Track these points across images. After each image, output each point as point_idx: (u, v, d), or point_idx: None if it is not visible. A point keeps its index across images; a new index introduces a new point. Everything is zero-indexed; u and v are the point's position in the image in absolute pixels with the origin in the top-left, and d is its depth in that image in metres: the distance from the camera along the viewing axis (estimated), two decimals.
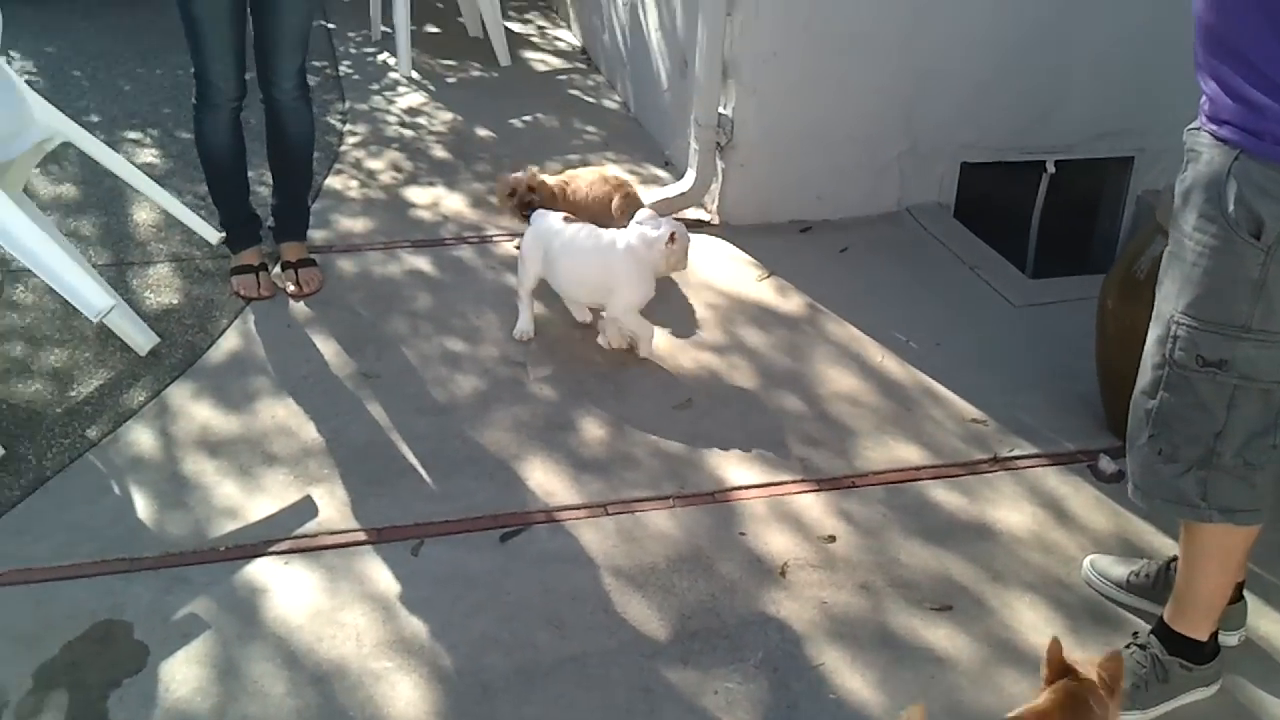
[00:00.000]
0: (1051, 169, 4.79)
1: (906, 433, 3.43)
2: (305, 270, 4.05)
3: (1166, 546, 2.96)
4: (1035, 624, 2.77)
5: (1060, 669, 2.13)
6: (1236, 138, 2.11)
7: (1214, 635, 2.52)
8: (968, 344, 3.88)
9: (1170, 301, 2.28)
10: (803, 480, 3.22)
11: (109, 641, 2.64)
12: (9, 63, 5.78)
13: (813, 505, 3.13)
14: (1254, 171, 2.09)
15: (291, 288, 4.00)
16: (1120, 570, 2.84)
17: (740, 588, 2.85)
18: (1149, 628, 2.60)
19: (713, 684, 2.58)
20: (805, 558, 2.95)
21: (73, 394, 3.46)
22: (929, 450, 3.35)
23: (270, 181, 4.16)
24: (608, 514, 3.07)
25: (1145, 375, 2.36)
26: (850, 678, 2.61)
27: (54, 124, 3.28)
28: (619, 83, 5.95)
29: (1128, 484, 2.47)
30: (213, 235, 3.57)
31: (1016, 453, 3.33)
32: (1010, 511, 3.12)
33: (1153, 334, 2.34)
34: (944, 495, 3.18)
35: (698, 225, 4.61)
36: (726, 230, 4.57)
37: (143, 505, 3.04)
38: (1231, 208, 2.12)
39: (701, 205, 4.70)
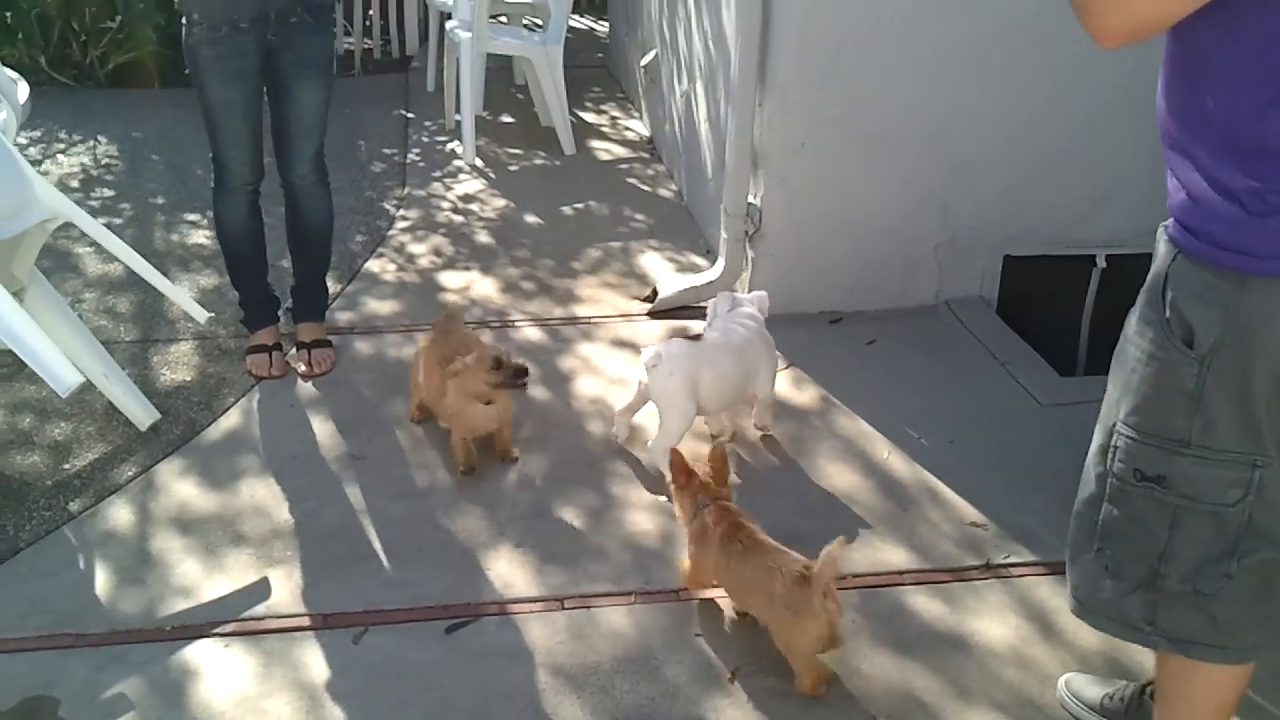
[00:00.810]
0: (1103, 264, 4.57)
1: (898, 534, 3.25)
2: (318, 351, 4.06)
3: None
4: None
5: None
6: (1177, 235, 1.94)
7: None
8: (983, 442, 3.69)
9: (1113, 408, 2.10)
10: None
11: (31, 718, 2.61)
12: (94, 146, 6.05)
13: None
14: (1188, 274, 1.92)
15: (302, 368, 4.02)
16: (1095, 692, 2.61)
17: (683, 693, 2.70)
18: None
19: None
20: (759, 664, 2.79)
21: (66, 467, 3.51)
22: (917, 554, 3.18)
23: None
24: (563, 608, 2.97)
25: (1089, 485, 2.18)
26: None
27: (57, 205, 3.37)
28: (676, 172, 5.93)
29: (1069, 599, 2.27)
30: (200, 315, 3.61)
31: (1011, 559, 3.13)
32: (992, 623, 2.92)
33: (1096, 441, 2.17)
34: (924, 603, 2.99)
35: None
36: None
37: (102, 581, 3.04)
38: (1167, 312, 1.95)
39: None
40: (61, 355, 3.01)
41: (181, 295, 3.48)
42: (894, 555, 3.17)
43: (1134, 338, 2.02)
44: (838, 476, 3.51)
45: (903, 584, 3.08)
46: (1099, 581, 2.16)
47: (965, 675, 2.77)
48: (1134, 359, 2.02)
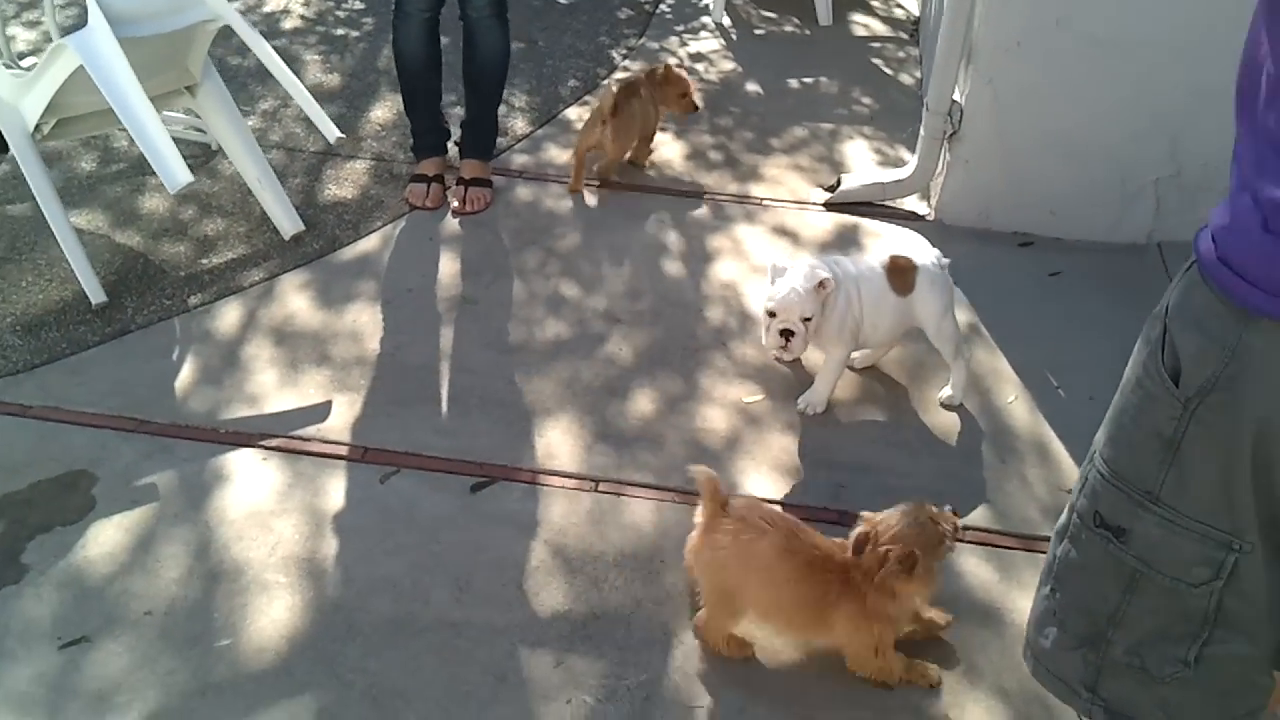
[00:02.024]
0: None
1: (980, 487, 2.96)
2: (475, 189, 4.06)
3: None
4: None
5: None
6: (1201, 239, 1.54)
7: None
8: None
9: (1100, 431, 1.76)
10: (823, 509, 2.87)
11: (70, 489, 2.79)
12: None
13: None
14: (1196, 292, 1.52)
15: (455, 204, 4.02)
16: None
17: (672, 602, 2.58)
18: None
19: (571, 692, 2.37)
20: None
21: (204, 261, 3.67)
22: (993, 511, 2.89)
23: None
24: (595, 490, 2.88)
25: (1063, 510, 1.86)
26: None
27: (218, 7, 3.44)
28: (925, 58, 5.50)
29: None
30: (331, 134, 3.63)
31: None
32: None
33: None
34: (974, 565, 2.73)
35: (910, 218, 4.19)
36: (937, 229, 4.12)
37: (185, 375, 3.18)
38: (1164, 333, 1.57)
39: (925, 198, 4.26)
40: (177, 153, 3.09)
41: (317, 110, 3.50)
42: (965, 508, 2.89)
43: (1135, 352, 1.67)
44: (945, 412, 3.22)
45: (963, 539, 2.79)
46: (1044, 626, 1.85)
47: (982, 653, 2.52)
48: (1125, 378, 1.68)
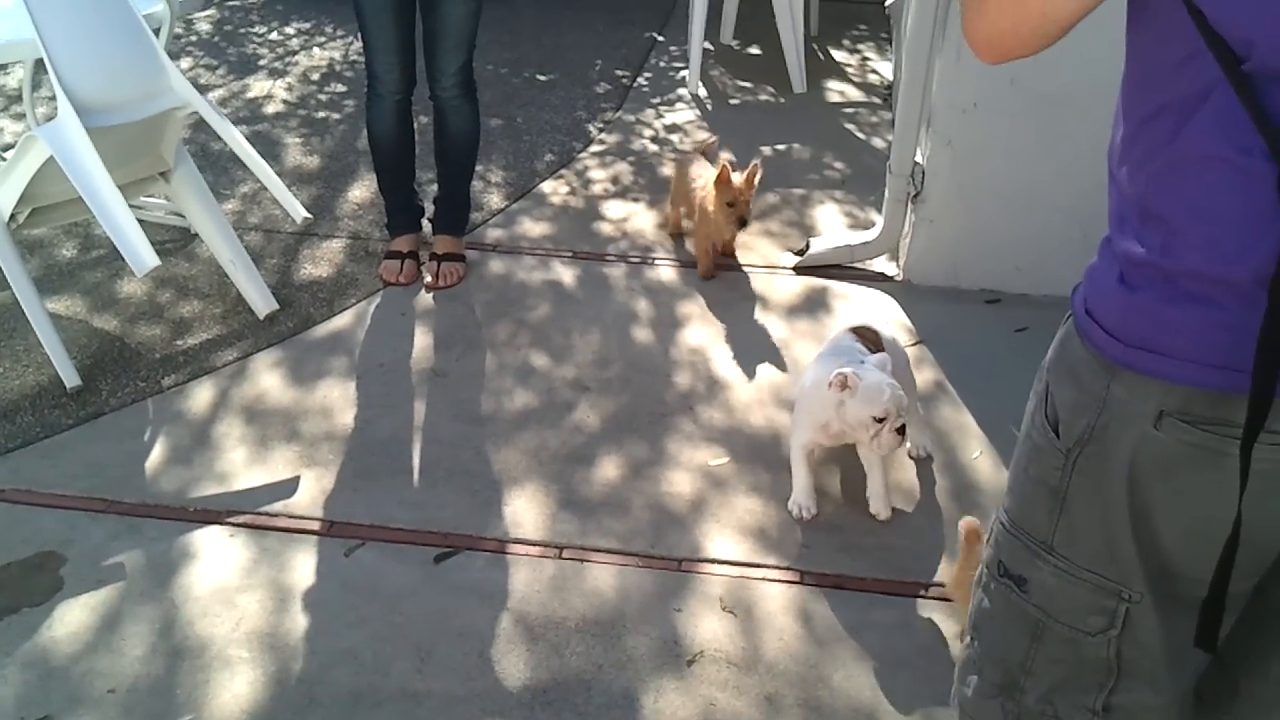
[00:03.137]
0: None
1: (946, 543, 2.98)
2: (448, 264, 4.12)
3: None
4: None
5: None
6: (1075, 294, 1.57)
7: None
8: None
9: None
10: (788, 569, 2.89)
11: (38, 570, 2.81)
12: (351, 43, 6.33)
13: (779, 598, 2.79)
14: (1071, 344, 1.54)
15: (428, 279, 4.09)
16: None
17: (633, 666, 2.59)
18: None
19: None
20: (726, 651, 2.63)
21: (180, 343, 3.73)
22: (951, 564, 2.88)
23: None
24: (559, 558, 2.90)
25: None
26: None
27: (187, 95, 3.53)
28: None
29: None
30: (299, 214, 3.70)
31: None
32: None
33: None
34: (938, 622, 2.73)
35: (879, 279, 4.24)
36: (905, 290, 4.17)
37: (156, 455, 3.22)
38: (1045, 388, 1.60)
39: (895, 259, 4.31)
40: (144, 237, 3.15)
41: (284, 192, 3.58)
42: (928, 565, 2.91)
43: (1029, 405, 1.70)
44: (910, 468, 3.24)
45: (924, 597, 2.84)
46: (966, 674, 1.86)
47: (944, 711, 2.51)
48: (1022, 431, 1.70)
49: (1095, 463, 1.52)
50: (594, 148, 5.32)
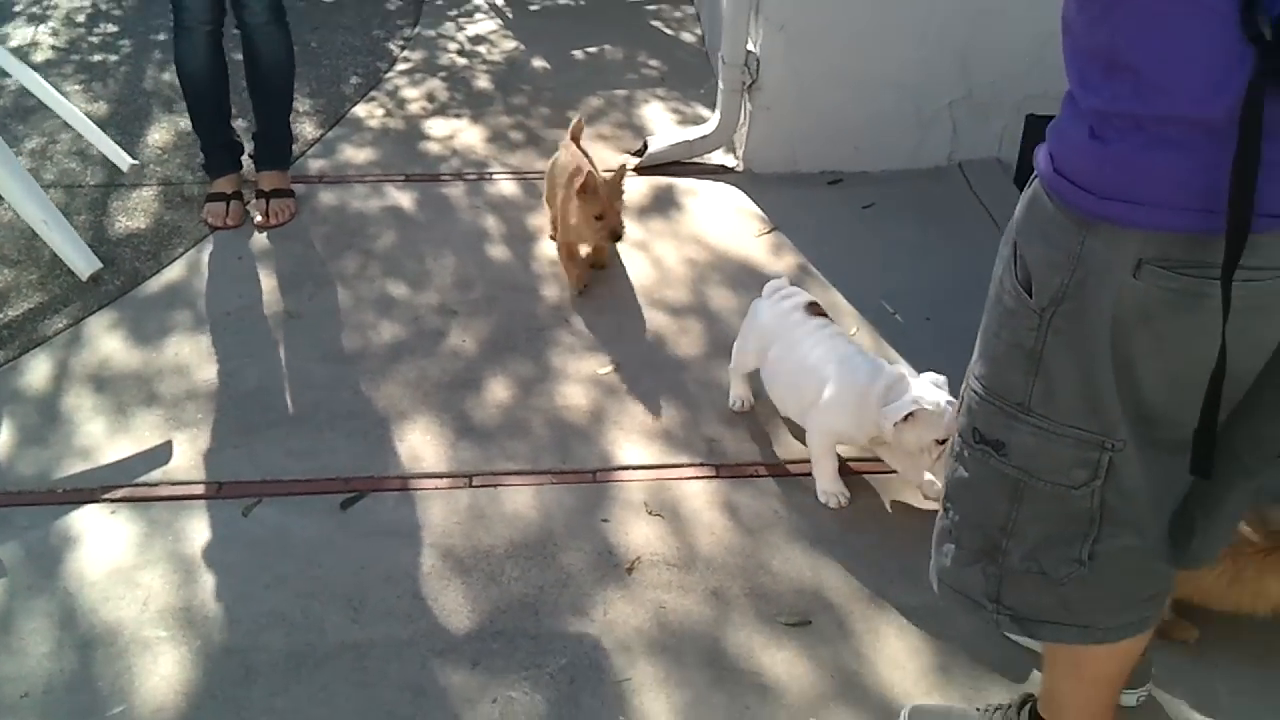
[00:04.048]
0: None
1: None
2: (277, 201, 3.89)
3: None
4: (896, 656, 2.36)
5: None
6: (1040, 156, 1.58)
7: None
8: (962, 323, 3.31)
9: (975, 350, 1.78)
10: (701, 464, 2.87)
11: None
12: None
13: (700, 494, 2.77)
14: (1039, 205, 1.56)
15: (259, 218, 3.85)
16: None
17: (574, 582, 2.53)
18: (1026, 694, 2.14)
19: (495, 691, 2.30)
20: (664, 554, 2.60)
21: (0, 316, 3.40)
22: None
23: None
24: (470, 486, 2.80)
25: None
26: (653, 698, 2.28)
27: None
28: (702, 14, 5.55)
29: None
30: (124, 162, 3.43)
31: None
32: (927, 520, 2.66)
33: None
34: (857, 493, 2.76)
35: (720, 172, 4.21)
36: (748, 179, 4.17)
37: (4, 438, 2.95)
38: (1014, 250, 1.61)
39: (731, 150, 4.29)
40: None
41: (103, 139, 3.30)
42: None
43: (994, 269, 1.71)
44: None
45: (839, 470, 2.83)
46: (943, 545, 1.89)
47: (883, 575, 2.58)
48: (989, 296, 1.71)
49: (1072, 320, 1.54)
50: (400, 66, 5.11)
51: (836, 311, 3.41)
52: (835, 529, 2.67)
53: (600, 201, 3.27)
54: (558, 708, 2.26)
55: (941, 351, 3.18)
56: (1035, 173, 1.58)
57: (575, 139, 3.69)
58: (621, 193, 3.38)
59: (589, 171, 3.31)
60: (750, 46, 4.07)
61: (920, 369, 3.04)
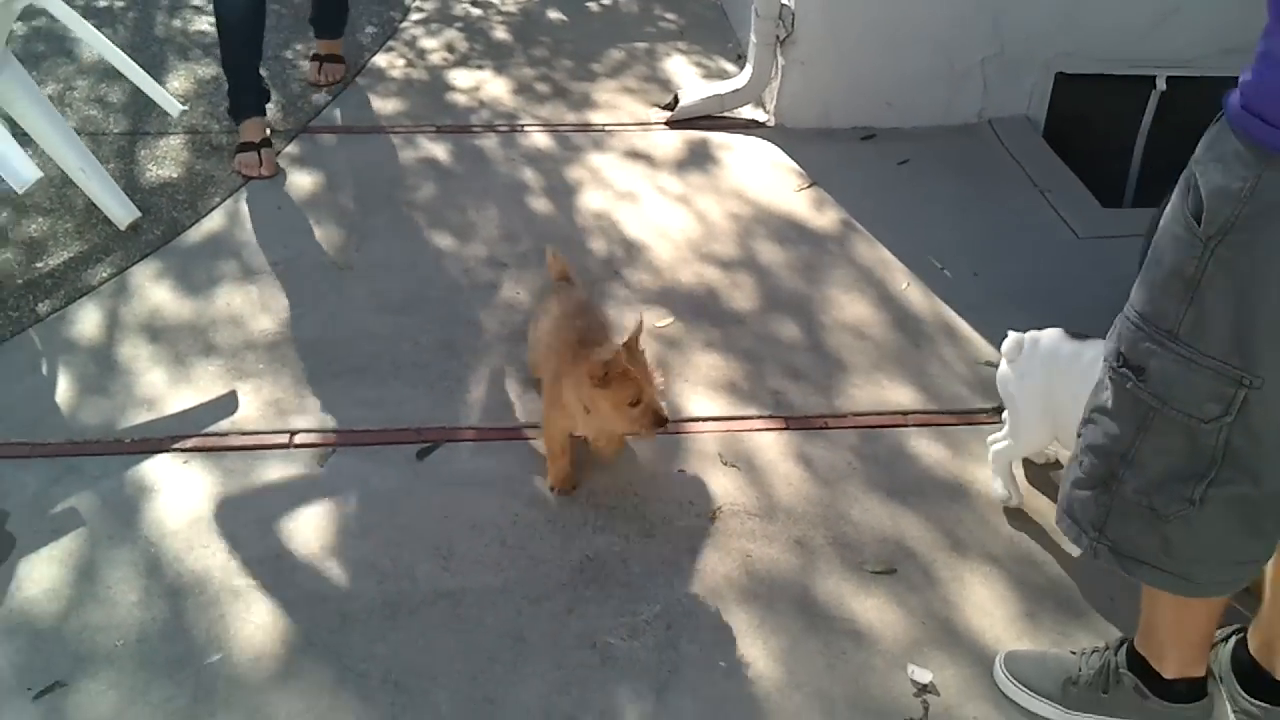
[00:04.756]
0: (1163, 86, 4.20)
1: (907, 372, 3.03)
2: (330, 65, 4.33)
3: None
4: (983, 603, 2.40)
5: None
6: (1230, 95, 1.63)
7: (1198, 681, 2.07)
8: (1011, 276, 3.43)
9: (1137, 281, 1.83)
10: (770, 417, 2.89)
11: None
12: None
13: (772, 446, 2.79)
14: (1223, 139, 1.62)
15: (314, 76, 4.27)
16: (1049, 678, 2.19)
17: (660, 531, 2.55)
18: (1121, 636, 2.19)
19: (594, 637, 2.31)
20: (744, 504, 2.62)
21: (40, 265, 3.35)
22: (925, 393, 2.96)
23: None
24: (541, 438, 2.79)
25: None
26: (750, 644, 2.30)
27: None
28: None
29: None
30: (174, 108, 3.37)
31: None
32: None
33: None
34: (926, 446, 2.80)
35: (751, 126, 4.21)
36: (781, 134, 4.17)
37: (64, 388, 2.90)
38: (1191, 181, 1.67)
39: (760, 105, 4.28)
40: (18, 148, 2.79)
41: (153, 85, 3.24)
42: (899, 394, 2.97)
43: (1171, 200, 1.75)
44: (849, 307, 3.27)
45: (905, 425, 2.89)
46: (1070, 470, 1.94)
47: (962, 525, 2.60)
48: (1160, 227, 1.75)
49: (1238, 251, 1.59)
50: (414, 16, 5.05)
51: (886, 267, 3.44)
52: (909, 478, 2.71)
53: (634, 383, 2.38)
54: (657, 654, 2.28)
55: (996, 303, 3.23)
56: (1221, 112, 1.61)
57: (565, 278, 2.83)
58: (644, 358, 2.47)
59: (617, 353, 2.37)
60: (784, 0, 4.06)
61: (974, 324, 3.09)
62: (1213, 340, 1.67)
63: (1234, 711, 2.12)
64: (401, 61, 4.62)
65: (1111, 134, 4.31)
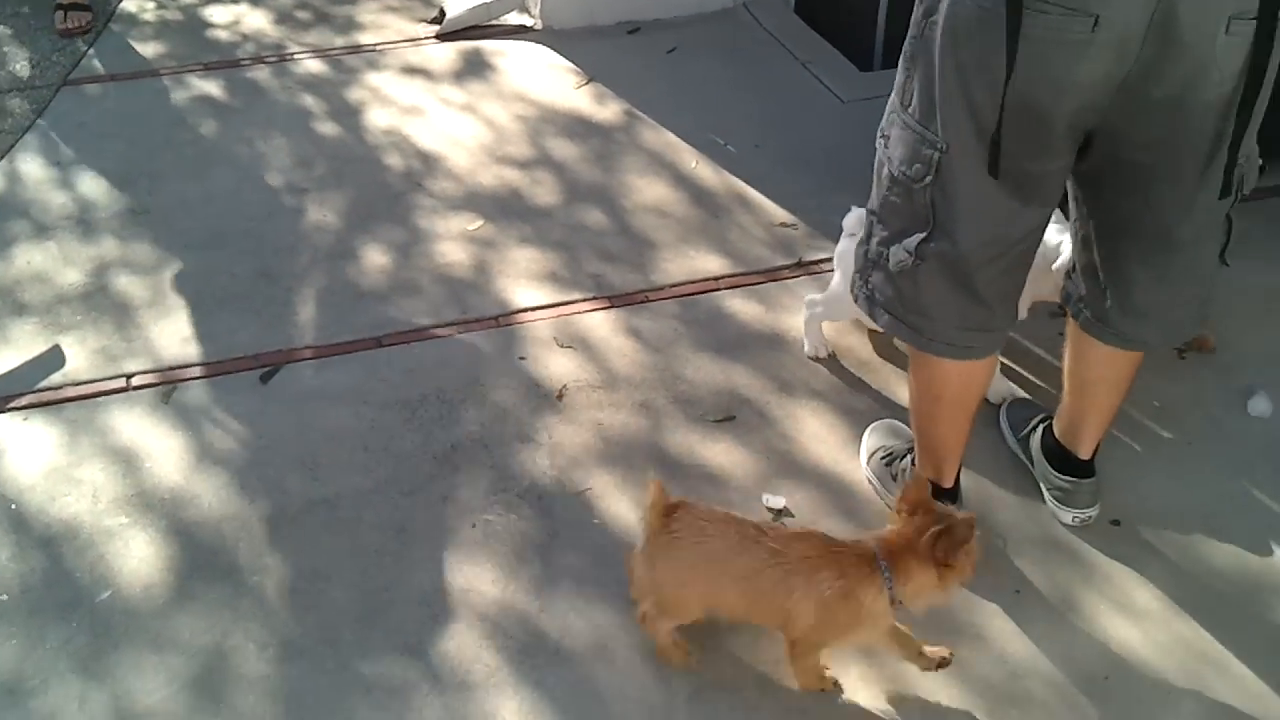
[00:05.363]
0: None
1: (711, 242, 3.24)
2: (76, 13, 4.26)
3: None
4: (817, 432, 2.64)
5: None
6: None
7: (945, 490, 2.30)
8: (789, 144, 3.67)
9: None
10: (594, 298, 3.04)
11: None
12: None
13: (601, 324, 2.95)
14: None
15: (61, 24, 4.22)
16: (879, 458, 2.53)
17: (513, 415, 2.68)
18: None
19: (471, 518, 2.44)
20: (586, 379, 2.78)
21: None
22: (731, 259, 3.17)
23: None
24: (381, 345, 2.88)
25: None
26: (617, 501, 2.47)
27: None
28: None
29: None
30: None
31: (821, 256, 3.14)
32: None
33: None
34: (740, 305, 3.01)
35: (519, 32, 4.30)
36: (550, 35, 4.28)
37: None
38: None
39: (525, 10, 4.37)
40: None
41: None
42: (709, 262, 3.17)
43: None
44: (647, 190, 3.45)
45: (718, 289, 3.09)
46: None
47: (785, 369, 2.82)
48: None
49: (930, 31, 1.85)
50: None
51: (673, 149, 3.63)
52: (733, 337, 2.92)
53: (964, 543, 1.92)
54: (534, 522, 2.44)
55: (780, 169, 3.47)
56: None
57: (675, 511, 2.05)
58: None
59: (961, 524, 1.92)
60: None
61: (763, 191, 3.32)
62: (916, 108, 1.94)
63: (1048, 489, 2.43)
64: (152, 4, 4.51)
65: (855, 4, 4.58)
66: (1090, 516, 2.39)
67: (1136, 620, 2.23)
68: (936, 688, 2.11)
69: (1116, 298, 2.10)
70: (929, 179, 1.94)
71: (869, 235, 2.11)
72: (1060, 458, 2.39)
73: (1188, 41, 1.69)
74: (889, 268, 2.06)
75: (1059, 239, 2.41)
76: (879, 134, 2.05)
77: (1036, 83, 1.76)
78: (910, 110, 1.94)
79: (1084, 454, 2.35)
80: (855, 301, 2.18)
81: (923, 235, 1.99)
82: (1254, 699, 2.09)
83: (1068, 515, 2.39)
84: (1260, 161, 2.00)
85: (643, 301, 3.03)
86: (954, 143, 1.88)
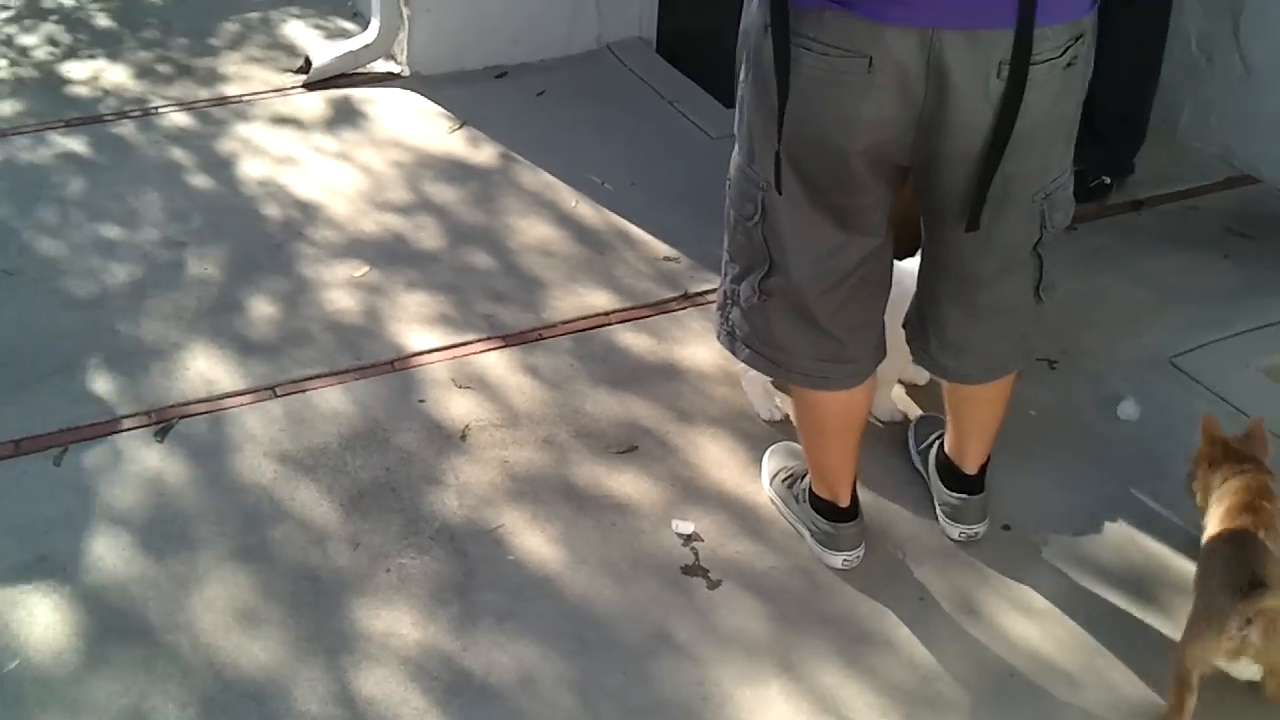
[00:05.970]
0: None
1: (597, 278, 3.30)
2: None
3: None
4: (718, 458, 2.71)
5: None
6: None
7: (841, 509, 2.38)
8: (664, 180, 3.76)
9: None
10: (487, 339, 3.08)
11: None
12: None
13: (497, 363, 2.99)
14: None
15: None
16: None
17: (418, 458, 2.70)
18: None
19: (385, 563, 2.44)
20: (487, 418, 2.81)
21: None
22: (619, 294, 3.24)
23: None
24: (275, 396, 2.87)
25: None
26: (529, 536, 2.50)
27: None
28: None
29: None
30: None
31: (706, 288, 3.23)
32: (698, 348, 3.04)
33: None
34: (632, 338, 3.08)
35: (387, 79, 4.33)
36: (417, 81, 4.31)
37: None
38: None
39: (391, 57, 4.40)
40: None
41: None
42: (598, 298, 3.23)
43: None
44: (530, 230, 3.50)
45: (610, 324, 3.15)
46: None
47: (682, 399, 2.90)
48: None
49: (746, 75, 1.95)
50: (1, 15, 4.78)
51: (552, 190, 3.70)
52: (628, 370, 2.99)
53: None
54: (448, 563, 2.46)
55: (658, 205, 3.57)
56: None
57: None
58: None
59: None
60: None
61: (643, 227, 3.43)
62: (742, 149, 2.04)
63: (939, 504, 2.54)
64: (3, 61, 4.39)
65: (716, 42, 4.71)
66: (977, 532, 2.49)
67: (1034, 618, 2.35)
68: (852, 696, 2.19)
69: (935, 334, 2.20)
70: (758, 217, 2.02)
71: (724, 274, 2.19)
72: (950, 474, 2.50)
73: (960, 85, 1.76)
74: (741, 304, 2.14)
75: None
76: (726, 178, 2.11)
77: (826, 120, 1.84)
78: (742, 152, 2.03)
79: (970, 469, 2.45)
80: (718, 338, 2.27)
81: (763, 272, 2.07)
82: (1148, 681, 2.21)
83: (955, 530, 2.50)
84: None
85: (537, 339, 3.07)
86: (773, 185, 1.96)
